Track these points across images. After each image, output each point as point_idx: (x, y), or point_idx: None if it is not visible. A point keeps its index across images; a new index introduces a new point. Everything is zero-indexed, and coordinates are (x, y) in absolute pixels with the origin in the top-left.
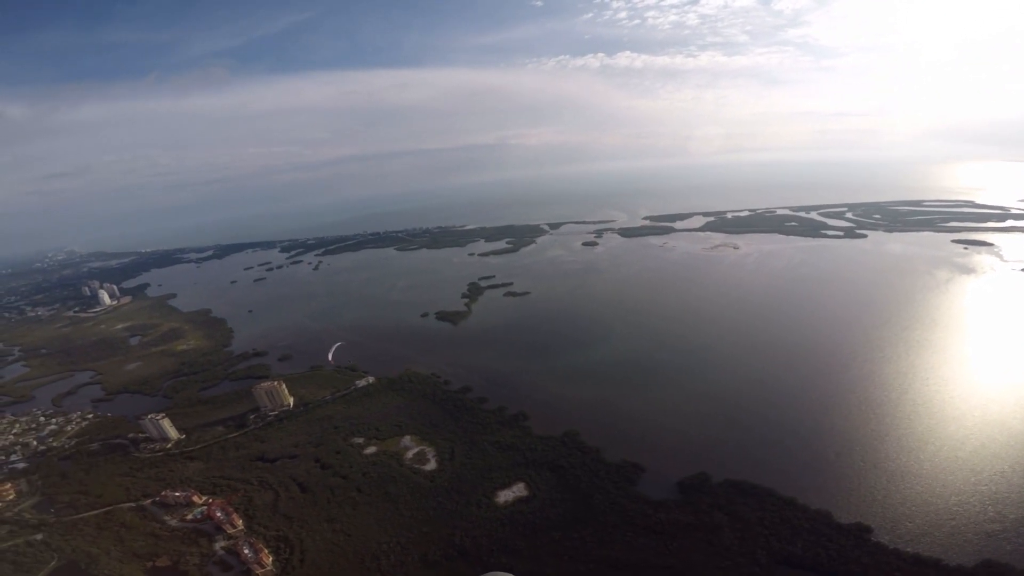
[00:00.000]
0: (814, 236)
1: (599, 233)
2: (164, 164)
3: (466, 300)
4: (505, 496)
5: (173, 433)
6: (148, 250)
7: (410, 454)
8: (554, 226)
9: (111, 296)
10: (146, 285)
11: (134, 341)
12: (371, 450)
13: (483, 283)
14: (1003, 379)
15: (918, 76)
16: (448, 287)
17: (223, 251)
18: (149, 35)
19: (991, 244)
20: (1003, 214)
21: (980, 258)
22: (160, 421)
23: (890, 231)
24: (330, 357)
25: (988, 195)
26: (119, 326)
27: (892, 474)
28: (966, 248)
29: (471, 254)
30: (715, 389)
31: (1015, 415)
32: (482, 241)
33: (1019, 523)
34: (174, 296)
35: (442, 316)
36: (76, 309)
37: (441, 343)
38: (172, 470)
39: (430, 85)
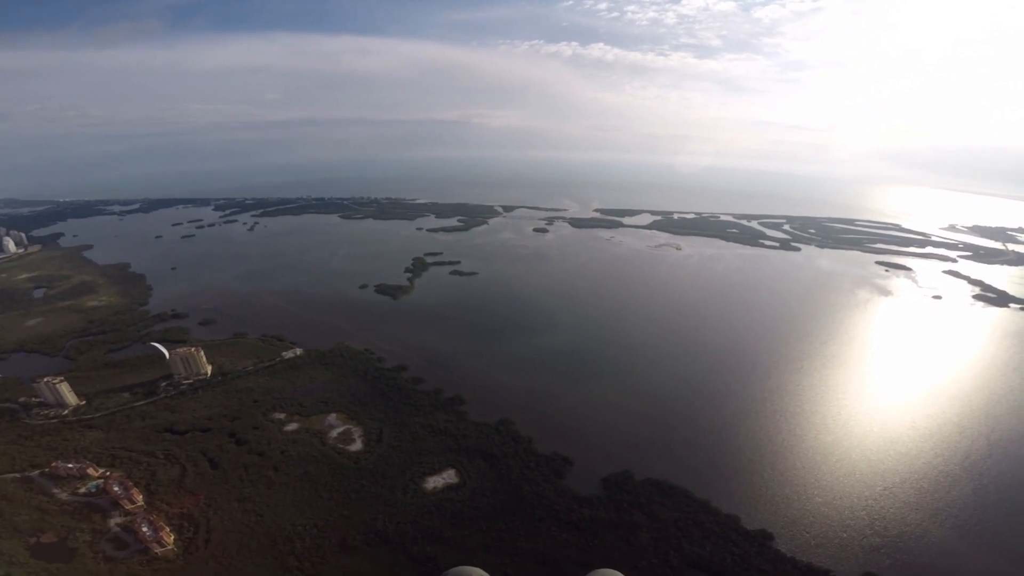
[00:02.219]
0: (752, 244)
1: (551, 220)
2: (96, 115)
3: (409, 275)
4: (434, 482)
5: (71, 399)
6: (67, 199)
7: (334, 433)
8: (508, 209)
9: (18, 243)
10: (60, 235)
11: (38, 294)
12: (292, 427)
13: (429, 259)
14: (902, 400)
15: (874, 97)
16: (392, 260)
17: (151, 205)
18: None
19: (909, 269)
20: (924, 240)
21: (898, 281)
22: (57, 385)
23: (822, 247)
24: (166, 353)
25: (914, 220)
26: (23, 276)
27: (797, 484)
28: (887, 271)
29: (419, 228)
30: (647, 387)
31: (906, 435)
32: (432, 217)
33: (898, 539)
34: (90, 248)
35: (382, 289)
36: None
37: (378, 318)
38: (67, 439)
39: (396, 55)
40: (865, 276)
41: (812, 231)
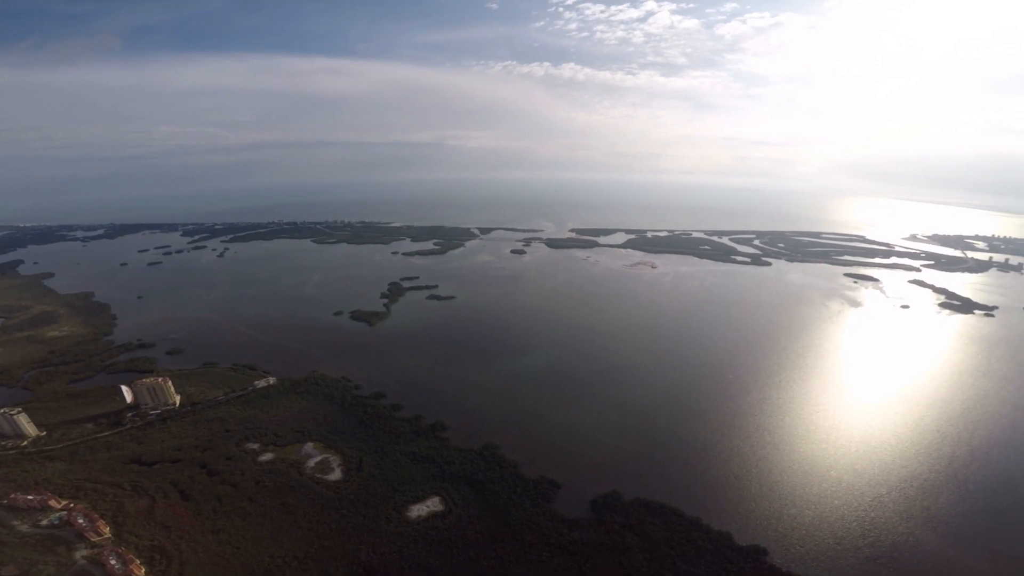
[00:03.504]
0: (725, 260)
1: (527, 242)
2: (59, 137)
3: (385, 300)
4: (418, 511)
5: (31, 430)
6: (28, 224)
7: (312, 462)
8: (484, 231)
9: None
10: (19, 262)
11: None
12: (267, 457)
13: (405, 284)
14: (881, 408)
15: (834, 110)
16: (367, 285)
17: (116, 231)
18: (66, 6)
19: (876, 279)
20: (888, 251)
21: (866, 292)
22: (15, 416)
23: (791, 260)
24: (128, 397)
25: (877, 231)
26: None
27: (785, 497)
28: (856, 282)
29: (395, 252)
30: (631, 405)
31: (889, 443)
32: (408, 240)
33: (892, 549)
34: (51, 276)
35: (358, 316)
36: None
37: (355, 345)
38: (26, 470)
39: (369, 77)
40: (835, 288)
41: (781, 245)
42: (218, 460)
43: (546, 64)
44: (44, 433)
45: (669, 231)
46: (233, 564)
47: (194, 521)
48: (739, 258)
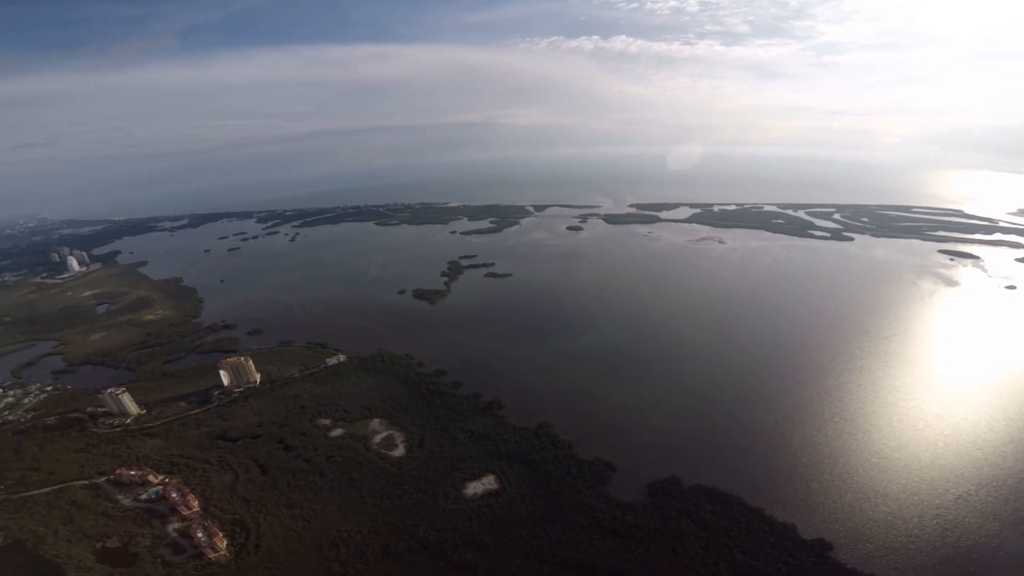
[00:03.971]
0: (801, 235)
1: (584, 218)
2: (139, 135)
3: (445, 279)
4: (474, 488)
5: (133, 408)
6: (122, 218)
7: (378, 438)
8: (539, 208)
9: (80, 263)
10: (117, 252)
11: (101, 310)
12: (337, 432)
13: (464, 262)
14: (977, 400)
15: (921, 79)
16: (427, 265)
17: (198, 220)
18: (122, 9)
19: (977, 257)
20: (991, 226)
21: (965, 271)
22: (120, 396)
23: (877, 236)
24: (224, 380)
25: (978, 206)
26: (86, 293)
27: (859, 491)
28: (952, 259)
29: (453, 232)
30: (692, 388)
31: (983, 438)
32: (465, 219)
33: (971, 550)
34: (145, 264)
35: (420, 294)
36: (44, 275)
37: (417, 322)
38: (130, 447)
39: (416, 62)
40: (927, 266)
41: (865, 219)
42: (293, 436)
43: (595, 38)
44: (144, 411)
45: (738, 204)
46: (304, 537)
47: (271, 495)
48: (817, 233)
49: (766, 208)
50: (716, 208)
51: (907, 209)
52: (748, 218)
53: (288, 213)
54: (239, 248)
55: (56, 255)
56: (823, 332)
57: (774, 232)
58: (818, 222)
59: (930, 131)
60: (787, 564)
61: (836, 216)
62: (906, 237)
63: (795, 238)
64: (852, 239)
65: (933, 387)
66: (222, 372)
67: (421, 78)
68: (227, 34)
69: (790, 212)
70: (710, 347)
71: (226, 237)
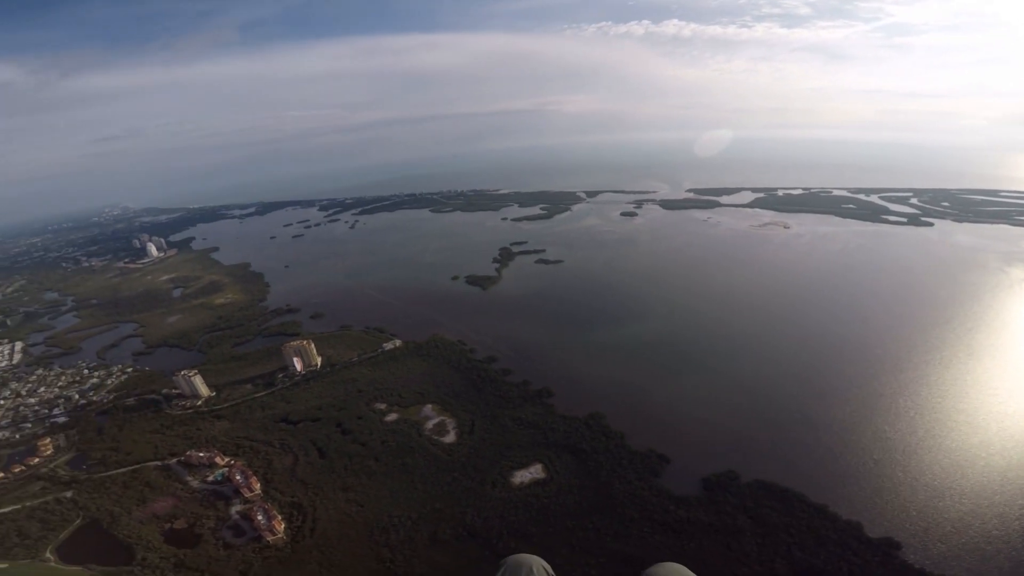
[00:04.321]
0: (874, 220)
1: (639, 204)
2: (209, 127)
3: (497, 265)
4: (521, 477)
5: (204, 390)
6: (195, 206)
7: (430, 424)
8: (591, 194)
9: (159, 248)
10: (192, 239)
11: (176, 293)
12: (392, 417)
13: (515, 248)
14: None
15: (1003, 60)
16: (480, 251)
17: (265, 208)
18: (185, 4)
19: None
20: None
21: None
22: (192, 378)
23: (959, 221)
24: (298, 366)
25: None
26: (164, 277)
27: (933, 489)
28: None
29: (504, 219)
30: (753, 380)
31: None
32: (516, 206)
33: None
34: (216, 249)
35: (472, 280)
36: (126, 260)
37: (469, 308)
38: (199, 428)
39: (465, 50)
40: (1016, 252)
41: (946, 204)
42: (351, 419)
43: (645, 22)
44: (214, 393)
45: (804, 189)
46: (357, 522)
47: (328, 479)
48: (892, 218)
49: (835, 192)
50: (780, 192)
51: (993, 193)
52: (815, 203)
53: (348, 201)
54: (302, 235)
55: (137, 241)
56: (899, 322)
57: (844, 217)
58: (893, 207)
59: (1015, 112)
60: (849, 563)
61: (913, 200)
62: (992, 222)
63: (867, 223)
64: (931, 224)
65: (1021, 382)
66: (296, 359)
67: (471, 66)
68: (287, 26)
69: (862, 196)
70: (773, 338)
71: (290, 224)
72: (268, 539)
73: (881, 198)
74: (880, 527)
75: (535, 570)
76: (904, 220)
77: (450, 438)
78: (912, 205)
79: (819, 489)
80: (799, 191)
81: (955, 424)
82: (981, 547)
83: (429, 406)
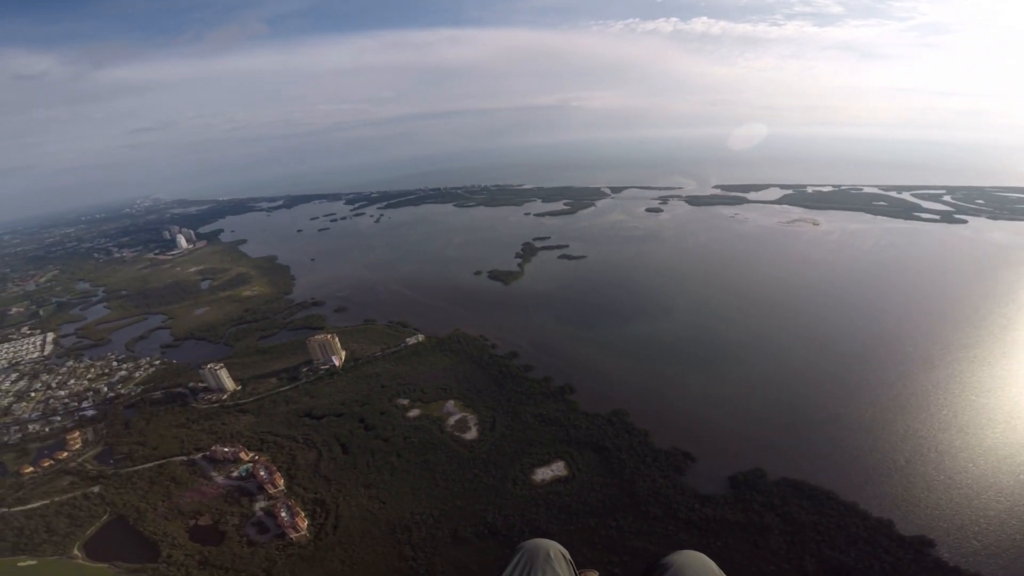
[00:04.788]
0: (906, 218)
1: (664, 200)
2: (240, 120)
3: (519, 260)
4: (543, 474)
5: (230, 384)
6: (224, 198)
7: (452, 420)
8: (616, 190)
9: (188, 240)
10: (220, 231)
11: (204, 285)
12: (414, 413)
13: (537, 244)
14: None
15: None
16: (502, 246)
17: (292, 201)
18: None
19: None
20: None
21: None
22: (218, 371)
23: (995, 218)
24: (336, 363)
25: None
26: (192, 269)
27: (968, 487)
28: None
29: (527, 214)
30: (780, 378)
31: None
32: (539, 201)
33: None
34: (244, 242)
35: (495, 275)
36: (156, 251)
37: (491, 303)
38: (225, 423)
39: (490, 45)
40: None
41: (980, 201)
42: (374, 415)
43: (673, 20)
44: (239, 387)
45: (834, 186)
46: (379, 519)
47: (350, 475)
48: (924, 215)
49: (866, 190)
50: (810, 189)
51: None
52: (845, 200)
53: (374, 195)
54: (328, 228)
55: (167, 233)
56: (932, 320)
57: (875, 215)
58: (925, 204)
59: None
60: (880, 561)
61: (946, 198)
62: None
63: (899, 220)
64: (965, 222)
65: None
66: (335, 359)
67: (495, 61)
68: (315, 20)
69: (893, 194)
70: (801, 336)
71: (317, 218)
72: (292, 536)
73: (913, 195)
74: (912, 525)
75: (552, 555)
76: (937, 217)
77: (472, 435)
78: (945, 202)
79: (849, 487)
80: (829, 188)
81: (991, 423)
82: (1018, 544)
83: (451, 402)
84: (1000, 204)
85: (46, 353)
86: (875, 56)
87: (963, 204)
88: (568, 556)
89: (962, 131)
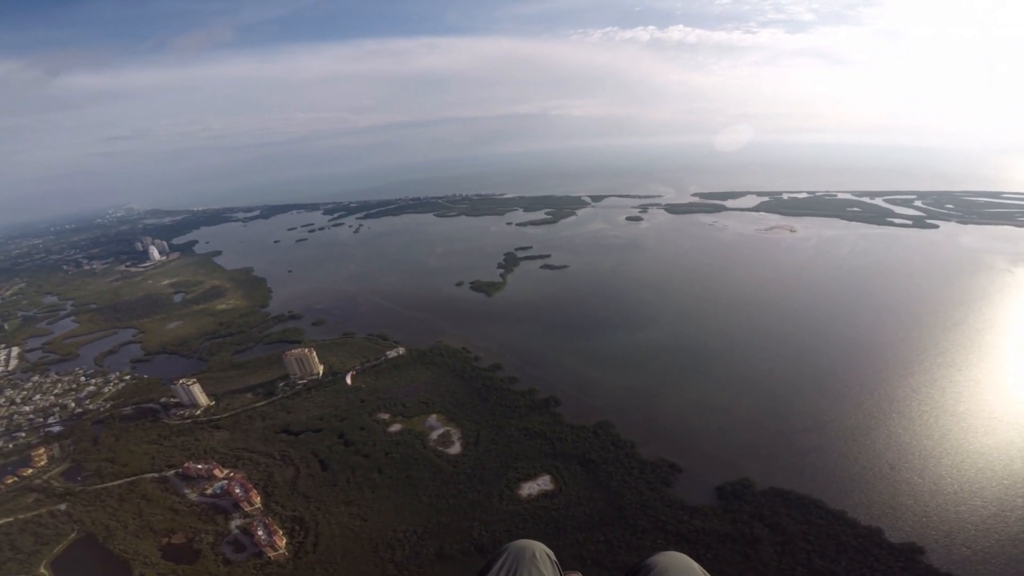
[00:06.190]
0: (879, 223)
1: (644, 208)
2: (217, 128)
3: (501, 271)
4: (529, 489)
5: (203, 399)
6: (200, 208)
7: (435, 435)
8: (596, 199)
9: (161, 252)
10: (195, 242)
11: (177, 298)
12: (396, 427)
13: (520, 254)
14: None
15: (1006, 60)
16: (484, 256)
17: (269, 211)
18: (196, 4)
19: None
20: None
21: None
22: (191, 387)
23: (964, 223)
24: (348, 380)
25: None
26: (165, 282)
27: (954, 492)
28: None
29: (509, 223)
30: (764, 387)
31: None
32: (520, 211)
33: None
34: (219, 253)
35: (477, 286)
36: (128, 264)
37: (474, 315)
38: (198, 439)
39: (470, 53)
40: (1022, 253)
41: (950, 206)
42: (353, 430)
43: (651, 28)
44: (213, 403)
45: (809, 192)
46: (361, 537)
47: (330, 492)
48: (897, 220)
49: (840, 196)
50: (786, 196)
51: (996, 195)
52: (820, 206)
53: (353, 205)
54: (306, 239)
55: (139, 244)
56: (908, 325)
57: (849, 220)
58: (897, 209)
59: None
60: (871, 569)
61: (917, 203)
62: (997, 223)
63: (873, 226)
64: (936, 226)
65: None
66: (350, 376)
67: (477, 70)
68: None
69: (866, 200)
70: (783, 343)
71: (295, 228)
72: (269, 555)
73: (885, 200)
74: (901, 532)
75: (538, 556)
76: (909, 222)
77: (455, 449)
78: (916, 207)
79: (836, 495)
80: (804, 194)
81: (971, 426)
82: (1007, 550)
83: (433, 416)
84: (969, 208)
85: (10, 368)
86: (847, 63)
87: (934, 209)
88: (553, 557)
89: (929, 136)
